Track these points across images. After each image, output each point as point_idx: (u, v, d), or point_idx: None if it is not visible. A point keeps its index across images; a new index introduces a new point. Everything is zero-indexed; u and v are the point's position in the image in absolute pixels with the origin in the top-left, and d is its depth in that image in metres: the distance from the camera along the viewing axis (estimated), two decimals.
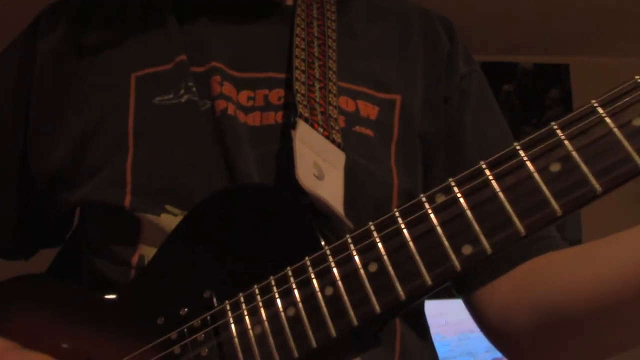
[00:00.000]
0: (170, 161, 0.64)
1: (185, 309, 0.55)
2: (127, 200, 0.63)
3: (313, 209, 0.56)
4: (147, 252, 0.62)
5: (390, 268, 0.48)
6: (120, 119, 0.65)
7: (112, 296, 0.60)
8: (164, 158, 0.64)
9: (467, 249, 0.46)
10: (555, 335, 0.62)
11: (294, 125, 0.60)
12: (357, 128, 0.67)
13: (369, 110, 0.68)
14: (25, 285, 0.66)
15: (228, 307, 0.53)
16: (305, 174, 0.56)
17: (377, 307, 0.48)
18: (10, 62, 0.75)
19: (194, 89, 0.65)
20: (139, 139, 0.65)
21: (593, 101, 0.45)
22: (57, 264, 0.77)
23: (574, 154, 0.44)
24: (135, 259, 0.63)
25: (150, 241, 0.62)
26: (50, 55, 0.71)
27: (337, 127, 0.64)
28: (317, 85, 0.66)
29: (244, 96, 0.67)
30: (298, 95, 0.63)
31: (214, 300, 0.54)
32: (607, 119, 0.44)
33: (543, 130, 0.46)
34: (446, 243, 0.47)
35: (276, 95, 0.67)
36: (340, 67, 0.69)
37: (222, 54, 0.68)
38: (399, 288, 0.47)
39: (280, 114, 0.66)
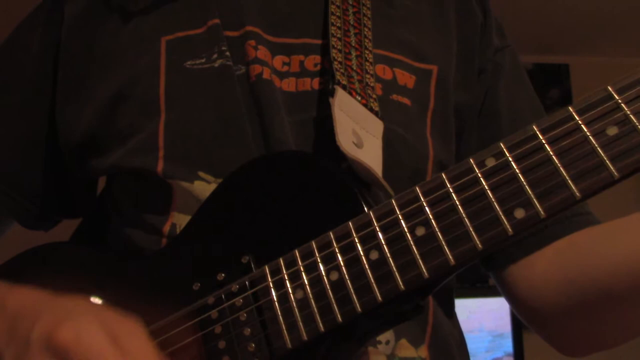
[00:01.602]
0: (203, 127, 0.63)
1: (223, 274, 0.55)
2: (160, 167, 0.62)
3: (353, 175, 0.56)
4: (179, 220, 0.62)
5: (438, 232, 0.48)
6: (150, 82, 0.65)
7: (147, 262, 0.60)
8: (197, 123, 0.63)
9: (519, 213, 0.46)
10: (593, 312, 0.62)
11: (332, 93, 0.60)
12: (395, 96, 0.67)
13: (406, 79, 0.68)
14: (57, 252, 0.66)
15: (267, 272, 0.53)
16: (345, 141, 0.56)
17: (425, 272, 0.48)
18: (36, 26, 0.74)
19: (227, 53, 0.65)
20: (170, 103, 0.64)
21: None
22: (80, 234, 0.76)
23: (632, 117, 0.44)
24: (167, 228, 0.62)
25: (182, 208, 0.62)
26: (77, 18, 0.71)
27: (374, 96, 0.64)
28: (354, 53, 0.65)
29: (278, 61, 0.66)
30: (335, 62, 0.63)
31: (252, 265, 0.54)
32: None
33: (599, 95, 0.46)
34: (497, 207, 0.47)
35: (312, 61, 0.67)
36: (375, 34, 0.69)
37: (257, 19, 0.68)
38: (448, 252, 0.47)
39: (316, 80, 0.66)
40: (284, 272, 0.52)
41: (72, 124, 0.68)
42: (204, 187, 0.61)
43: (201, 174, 0.61)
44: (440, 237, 0.48)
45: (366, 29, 0.68)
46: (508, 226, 0.46)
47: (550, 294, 0.65)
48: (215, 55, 0.65)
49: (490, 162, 0.48)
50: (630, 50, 3.13)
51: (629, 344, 0.64)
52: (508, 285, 0.70)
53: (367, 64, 0.65)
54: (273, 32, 0.67)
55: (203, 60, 0.65)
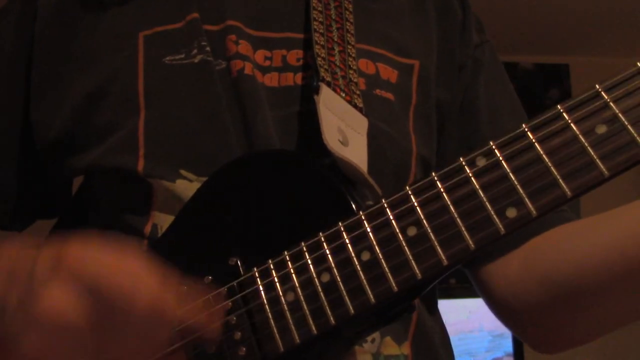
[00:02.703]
0: (184, 124, 0.63)
1: (209, 277, 0.55)
2: (140, 165, 0.62)
3: (340, 174, 0.57)
4: (160, 220, 0.62)
5: (430, 232, 0.49)
6: (129, 79, 0.65)
7: None
8: (177, 120, 0.64)
9: (511, 212, 0.47)
10: (566, 308, 0.64)
11: (317, 90, 0.60)
12: (378, 91, 0.68)
13: (389, 74, 0.69)
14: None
15: (257, 274, 0.53)
16: (332, 139, 0.57)
17: (418, 273, 0.48)
18: (8, 21, 0.74)
19: (207, 48, 0.65)
20: (150, 100, 0.64)
21: (639, 63, 0.46)
22: (55, 235, 0.75)
23: (621, 116, 0.45)
24: (148, 228, 0.63)
25: (163, 208, 0.62)
26: (52, 13, 0.71)
27: (357, 92, 0.64)
28: (337, 49, 0.66)
29: (260, 55, 0.67)
30: (319, 59, 0.63)
31: (240, 267, 0.54)
32: None
33: (586, 93, 0.47)
34: (489, 206, 0.47)
35: (294, 56, 0.67)
36: (357, 29, 0.70)
37: (238, 12, 0.68)
38: (441, 252, 0.48)
39: (299, 75, 0.66)
40: (274, 274, 0.53)
41: (47, 121, 0.68)
42: (185, 186, 0.61)
43: (183, 172, 0.62)
44: (433, 237, 0.49)
45: (348, 24, 0.69)
46: (500, 226, 0.47)
47: (525, 291, 0.66)
48: (195, 51, 0.65)
49: (481, 162, 0.49)
50: (630, 50, 3.15)
51: (629, 345, 0.65)
52: (484, 282, 0.71)
53: (350, 59, 0.66)
54: (254, 26, 0.68)
55: (182, 56, 0.65)
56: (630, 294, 0.60)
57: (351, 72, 0.65)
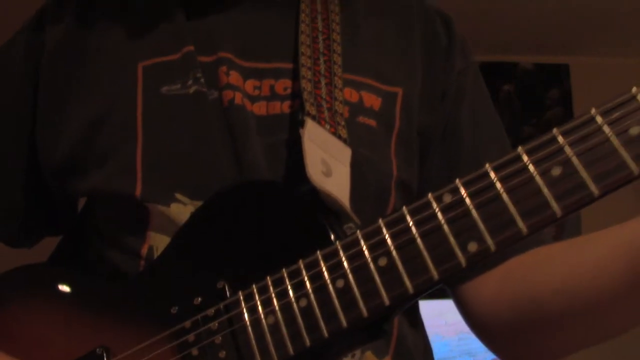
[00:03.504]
0: (179, 151, 0.68)
1: (199, 299, 0.60)
2: (138, 190, 0.67)
3: (322, 205, 0.61)
4: (156, 241, 0.67)
5: (399, 263, 0.53)
6: (128, 107, 0.70)
7: (125, 285, 0.64)
8: (173, 147, 0.68)
9: (472, 247, 0.51)
10: (538, 329, 0.67)
11: (302, 124, 0.65)
12: (361, 118, 0.71)
13: (372, 101, 0.73)
14: (33, 275, 0.70)
15: (241, 298, 0.58)
16: (314, 172, 0.61)
17: (387, 300, 0.53)
18: (17, 50, 0.79)
19: (202, 80, 0.70)
20: (147, 128, 0.69)
21: (593, 109, 0.50)
22: (59, 253, 0.81)
23: (574, 159, 0.49)
24: (144, 250, 0.67)
25: (159, 230, 0.67)
26: (57, 45, 0.75)
27: (342, 122, 0.68)
28: (323, 81, 0.70)
29: (250, 85, 0.71)
30: (305, 93, 0.68)
31: (227, 290, 0.59)
32: (606, 127, 0.49)
33: (545, 136, 0.51)
34: (452, 240, 0.52)
35: (282, 85, 0.71)
36: (344, 58, 0.73)
37: (230, 44, 0.72)
38: (407, 282, 0.52)
39: (286, 104, 0.70)
40: (257, 298, 0.57)
41: (52, 146, 0.73)
42: (180, 209, 0.66)
43: (178, 195, 0.66)
44: (401, 267, 0.53)
45: (335, 55, 0.73)
46: (462, 259, 0.51)
47: (499, 312, 0.70)
48: (190, 82, 0.70)
49: (447, 198, 0.53)
50: (630, 50, 3.17)
51: (629, 345, 0.68)
52: (461, 301, 0.75)
53: (337, 90, 0.70)
54: (245, 56, 0.72)
55: (178, 87, 0.70)
56: (605, 317, 0.63)
57: (337, 103, 0.69)
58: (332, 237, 0.57)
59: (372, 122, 0.72)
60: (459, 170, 0.75)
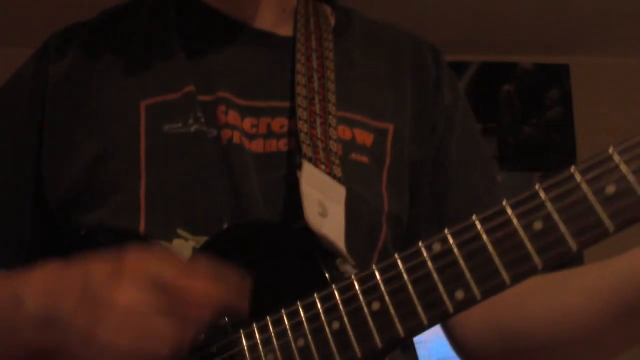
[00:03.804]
0: (181, 187, 0.72)
1: (202, 335, 0.63)
2: (142, 226, 0.70)
3: (319, 245, 0.65)
4: None
5: (391, 308, 0.57)
6: (132, 145, 0.73)
7: None
8: (175, 185, 0.72)
9: (459, 294, 0.55)
10: (521, 358, 0.72)
11: (299, 166, 0.69)
12: (353, 155, 0.75)
13: (364, 138, 0.77)
14: None
15: (243, 336, 0.62)
16: (312, 215, 0.65)
17: (379, 343, 0.57)
18: (22, 84, 0.82)
19: (202, 119, 0.73)
20: (150, 165, 0.72)
21: (572, 167, 0.53)
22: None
23: (554, 214, 0.53)
24: None
25: None
26: (61, 80, 0.79)
27: (337, 162, 0.72)
28: (318, 121, 0.74)
29: (247, 123, 0.75)
30: (301, 134, 0.71)
31: (229, 327, 0.63)
32: (584, 185, 0.52)
33: (528, 191, 0.54)
34: (441, 288, 0.55)
35: (278, 123, 0.75)
36: (338, 96, 0.77)
37: (228, 83, 0.76)
38: (399, 326, 0.56)
39: (282, 142, 0.74)
40: (257, 337, 0.61)
41: (57, 179, 0.76)
42: (181, 244, 0.69)
43: (180, 231, 0.70)
44: (393, 312, 0.57)
45: (330, 93, 0.76)
46: (450, 306, 0.55)
47: (484, 341, 0.74)
48: (191, 121, 0.73)
49: (437, 247, 0.56)
50: (630, 50, 3.19)
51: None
52: (449, 330, 0.79)
53: (331, 129, 0.74)
54: (243, 95, 0.76)
55: (180, 125, 0.73)
56: (615, 339, 0.66)
57: (331, 142, 0.73)
58: (329, 279, 0.61)
59: (364, 159, 0.75)
60: (447, 205, 0.80)
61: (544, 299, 0.70)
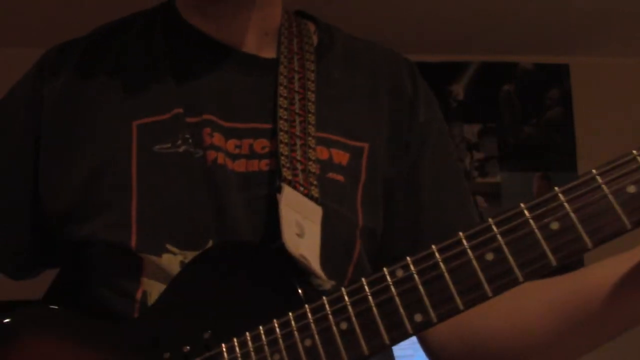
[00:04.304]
0: (169, 205, 0.78)
1: (187, 347, 0.70)
2: (133, 241, 0.76)
3: (295, 265, 0.71)
4: (150, 286, 0.76)
5: (357, 328, 0.63)
6: (124, 163, 0.79)
7: (121, 329, 0.74)
8: (164, 202, 0.78)
9: (418, 317, 0.61)
10: None
11: (279, 189, 0.75)
12: (330, 175, 0.81)
13: (340, 157, 0.82)
14: (29, 315, 0.78)
15: (224, 350, 0.68)
16: (290, 237, 0.71)
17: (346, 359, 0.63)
18: (18, 102, 0.88)
19: (190, 140, 0.79)
20: (141, 183, 0.78)
21: (521, 204, 0.59)
22: (55, 291, 0.88)
23: (504, 247, 0.58)
24: (139, 294, 0.77)
25: (152, 277, 0.76)
26: (56, 99, 0.85)
27: (315, 182, 0.78)
28: (299, 143, 0.79)
29: (231, 145, 0.80)
30: (282, 157, 0.77)
31: (212, 341, 0.69)
32: (531, 221, 0.58)
33: (482, 225, 0.60)
34: (402, 311, 0.61)
35: (260, 144, 0.81)
36: (317, 117, 0.82)
37: (213, 106, 0.81)
38: (364, 345, 0.62)
39: (264, 162, 0.80)
40: (237, 351, 0.67)
41: (52, 196, 0.82)
42: (170, 259, 0.75)
43: (169, 246, 0.76)
44: (359, 332, 0.63)
45: (310, 115, 0.82)
46: (409, 328, 0.61)
47: (451, 348, 0.80)
48: (179, 142, 0.79)
49: (399, 273, 0.62)
50: (630, 50, 3.22)
51: (629, 344, 0.78)
52: (421, 339, 0.85)
53: (310, 150, 0.79)
54: (227, 118, 0.81)
55: (169, 145, 0.79)
56: (576, 345, 0.72)
57: (310, 163, 0.79)
58: (302, 298, 0.67)
59: (340, 177, 0.81)
60: (419, 222, 0.85)
61: (505, 311, 0.76)
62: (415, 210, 0.86)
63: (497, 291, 0.59)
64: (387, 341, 0.61)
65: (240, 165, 0.80)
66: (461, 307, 0.59)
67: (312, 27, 0.93)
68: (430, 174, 0.87)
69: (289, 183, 0.76)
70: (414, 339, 0.81)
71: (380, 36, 2.75)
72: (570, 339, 0.71)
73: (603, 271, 0.67)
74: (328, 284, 0.75)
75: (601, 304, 0.66)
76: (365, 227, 0.81)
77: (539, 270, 0.57)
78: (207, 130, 0.80)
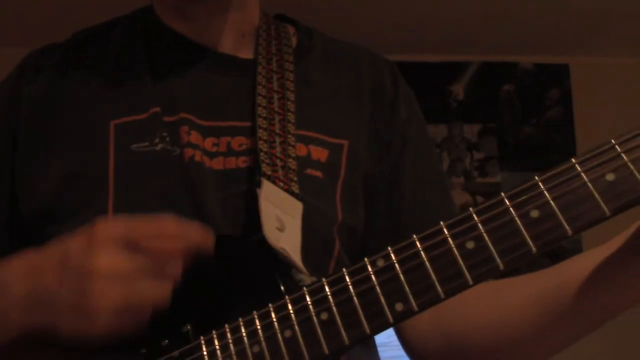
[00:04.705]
0: (146, 203, 0.77)
1: (166, 341, 0.69)
2: None
3: (276, 258, 0.70)
4: None
5: (337, 318, 0.62)
6: (101, 162, 0.79)
7: None
8: (141, 201, 0.77)
9: (399, 306, 0.60)
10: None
11: (259, 184, 0.74)
12: (308, 171, 0.80)
13: (319, 154, 0.82)
14: None
15: (203, 342, 0.67)
16: (270, 230, 0.70)
17: (327, 350, 0.62)
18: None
19: (167, 138, 0.79)
20: (118, 182, 0.78)
21: (502, 193, 0.58)
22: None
23: (485, 235, 0.58)
24: None
25: None
26: (35, 103, 0.85)
27: (295, 179, 0.78)
28: (278, 140, 0.79)
29: (209, 143, 0.80)
30: (261, 153, 0.77)
31: (191, 334, 0.68)
32: (511, 209, 0.57)
33: (463, 214, 0.59)
34: (383, 300, 0.61)
35: (237, 142, 0.81)
36: (297, 116, 0.82)
37: (191, 105, 0.82)
38: (344, 334, 0.61)
39: (241, 159, 0.80)
40: (217, 343, 0.66)
41: (30, 196, 0.81)
42: None
43: None
44: (339, 322, 0.62)
45: (289, 113, 0.82)
46: (390, 317, 0.60)
47: (431, 346, 0.80)
48: (156, 140, 0.79)
49: (380, 263, 0.62)
50: (631, 50, 3.22)
51: (629, 344, 0.77)
52: (401, 333, 0.85)
53: (290, 147, 0.79)
54: (204, 116, 0.81)
55: (147, 144, 0.79)
56: (552, 340, 0.72)
57: (290, 159, 0.79)
58: (283, 292, 0.66)
59: (318, 174, 0.81)
60: (401, 219, 0.85)
61: (485, 305, 0.76)
62: (397, 209, 0.86)
63: (478, 279, 0.58)
64: (367, 331, 0.61)
65: (218, 163, 0.79)
66: (442, 295, 0.59)
67: (291, 29, 0.94)
68: (412, 173, 0.87)
69: (269, 178, 0.75)
70: None
71: (381, 37, 2.76)
72: (552, 331, 0.70)
73: (582, 263, 0.66)
74: (309, 280, 0.74)
75: (579, 295, 0.65)
76: (344, 223, 0.81)
77: (520, 258, 0.57)
78: (185, 128, 0.80)
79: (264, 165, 0.76)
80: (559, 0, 2.79)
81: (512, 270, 0.76)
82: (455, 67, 3.25)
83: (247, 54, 0.88)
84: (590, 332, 0.68)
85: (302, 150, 0.81)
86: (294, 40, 0.91)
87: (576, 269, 0.67)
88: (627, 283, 0.62)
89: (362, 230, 0.84)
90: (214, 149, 0.80)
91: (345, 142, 0.84)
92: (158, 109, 0.81)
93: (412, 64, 2.99)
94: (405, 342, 0.84)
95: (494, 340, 0.74)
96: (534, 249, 0.56)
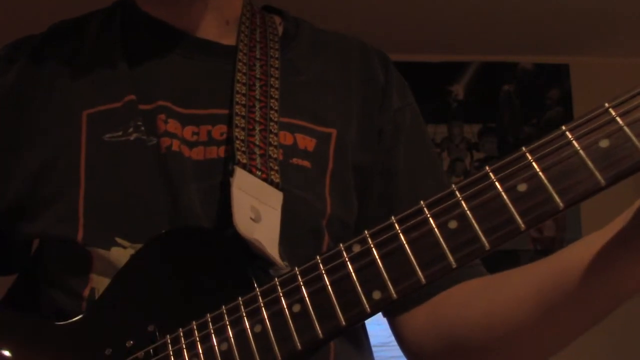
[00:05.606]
0: (120, 196, 0.72)
1: (131, 341, 0.64)
2: (80, 235, 0.71)
3: (249, 250, 0.65)
4: (98, 283, 0.71)
5: (311, 310, 0.56)
6: (72, 154, 0.74)
7: (64, 326, 0.68)
8: (113, 193, 0.72)
9: (376, 295, 0.55)
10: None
11: (231, 173, 0.69)
12: (295, 160, 0.75)
13: (306, 143, 0.77)
14: None
15: (169, 341, 0.62)
16: (242, 220, 0.65)
17: (299, 345, 0.56)
18: None
19: (142, 128, 0.74)
20: (90, 174, 0.73)
21: (487, 167, 0.53)
22: (13, 293, 0.84)
23: (468, 213, 0.52)
24: (87, 292, 0.71)
25: (101, 272, 0.71)
26: (7, 93, 0.80)
27: (275, 167, 0.72)
28: (258, 128, 0.74)
29: (188, 131, 0.75)
30: (237, 141, 0.72)
31: (157, 333, 0.63)
32: (497, 183, 0.52)
33: (444, 191, 0.54)
34: (359, 288, 0.55)
35: (219, 130, 0.75)
36: (282, 103, 0.78)
37: (168, 92, 0.76)
38: (318, 328, 0.56)
39: (222, 148, 0.74)
40: (183, 342, 0.61)
41: (1, 190, 0.77)
42: (119, 253, 0.70)
43: (118, 239, 0.70)
44: (312, 314, 0.56)
45: (273, 100, 0.77)
46: (367, 306, 0.55)
47: (428, 345, 0.75)
48: (131, 129, 0.74)
49: (356, 248, 0.56)
50: (630, 50, 3.18)
51: (629, 343, 0.72)
52: (396, 331, 0.80)
53: (272, 135, 0.74)
54: (183, 104, 0.76)
55: (120, 133, 0.74)
56: (547, 339, 0.66)
57: (271, 148, 0.73)
58: (254, 284, 0.61)
59: (305, 163, 0.76)
60: (395, 210, 0.78)
61: (481, 301, 0.70)
62: (391, 200, 0.81)
63: (462, 261, 0.52)
64: (343, 322, 0.55)
65: (198, 153, 0.74)
66: (423, 280, 0.53)
67: (277, 19, 0.89)
68: (405, 161, 0.82)
69: (244, 167, 0.70)
70: None
71: (380, 36, 2.71)
72: (553, 323, 0.64)
73: (579, 250, 0.61)
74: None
75: (579, 283, 0.59)
76: (333, 215, 0.76)
77: (506, 236, 0.51)
78: (162, 116, 0.75)
79: (239, 153, 0.71)
80: (559, 0, 2.75)
81: (512, 263, 0.71)
82: (455, 67, 3.21)
83: (230, 41, 0.82)
84: (594, 324, 0.62)
85: (288, 138, 0.76)
86: (280, 29, 0.87)
87: (575, 256, 0.61)
88: (634, 263, 0.56)
89: (356, 222, 0.78)
90: (194, 138, 0.75)
91: (333, 131, 0.78)
92: (133, 97, 0.76)
93: (412, 64, 2.96)
94: (401, 341, 0.79)
95: (493, 338, 0.68)
96: (522, 225, 0.51)
